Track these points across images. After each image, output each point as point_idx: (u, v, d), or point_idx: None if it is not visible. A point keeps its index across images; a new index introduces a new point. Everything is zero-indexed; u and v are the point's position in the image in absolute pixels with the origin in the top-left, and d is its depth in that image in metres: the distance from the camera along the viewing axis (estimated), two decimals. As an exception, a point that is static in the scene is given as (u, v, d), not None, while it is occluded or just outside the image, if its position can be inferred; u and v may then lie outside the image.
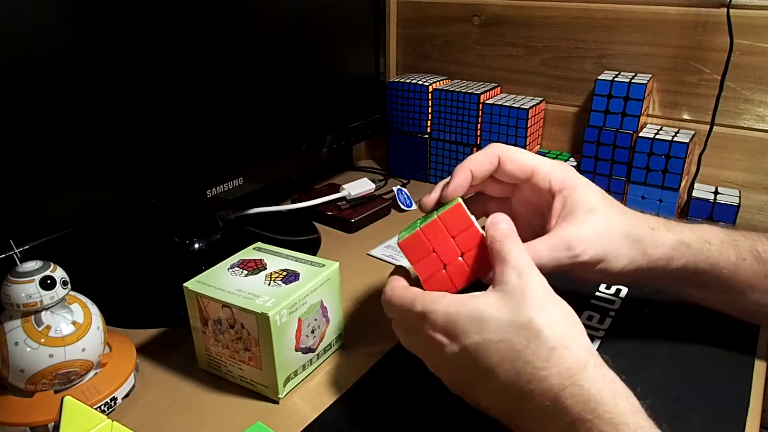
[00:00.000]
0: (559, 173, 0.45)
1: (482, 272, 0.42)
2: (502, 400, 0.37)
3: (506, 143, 0.84)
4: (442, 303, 0.38)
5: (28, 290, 0.40)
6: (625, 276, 0.45)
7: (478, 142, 0.87)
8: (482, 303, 0.37)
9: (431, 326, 0.38)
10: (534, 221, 0.48)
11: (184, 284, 0.47)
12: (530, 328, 0.35)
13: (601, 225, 0.44)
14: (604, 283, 0.46)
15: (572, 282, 0.52)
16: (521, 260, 0.38)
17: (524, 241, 0.41)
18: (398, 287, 0.42)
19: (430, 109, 0.89)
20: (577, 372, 0.34)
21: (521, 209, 0.49)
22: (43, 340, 0.41)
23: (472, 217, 0.42)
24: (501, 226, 0.40)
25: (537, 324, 0.35)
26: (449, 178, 0.46)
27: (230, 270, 0.49)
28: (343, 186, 0.79)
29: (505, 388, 0.36)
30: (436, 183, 0.92)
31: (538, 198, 0.47)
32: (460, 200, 0.44)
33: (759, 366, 0.49)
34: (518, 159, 0.46)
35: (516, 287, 0.37)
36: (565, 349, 0.35)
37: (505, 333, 0.36)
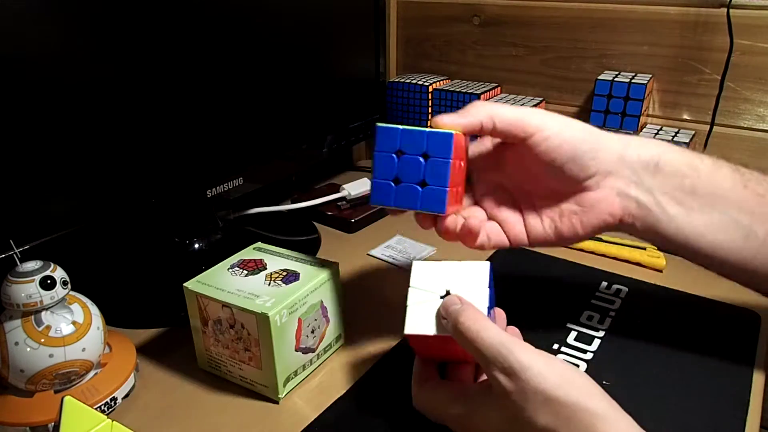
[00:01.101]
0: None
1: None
2: None
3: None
4: (459, 404, 0.38)
5: (28, 290, 0.40)
6: (596, 163, 0.43)
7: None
8: (488, 408, 0.36)
9: (466, 424, 0.38)
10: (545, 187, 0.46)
11: (184, 284, 0.47)
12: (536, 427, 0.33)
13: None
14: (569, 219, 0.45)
15: (573, 280, 0.52)
16: (494, 350, 0.35)
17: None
18: (423, 387, 0.42)
19: (430, 109, 0.89)
20: None
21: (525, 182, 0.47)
22: (43, 340, 0.41)
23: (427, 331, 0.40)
24: (451, 314, 0.38)
25: (554, 427, 0.33)
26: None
27: (230, 270, 0.49)
28: (343, 186, 0.79)
29: None
30: (436, 183, 0.93)
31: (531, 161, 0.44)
32: (407, 331, 0.41)
33: (759, 366, 0.49)
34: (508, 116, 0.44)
35: (512, 391, 0.34)
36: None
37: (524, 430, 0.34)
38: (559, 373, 0.34)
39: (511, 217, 0.47)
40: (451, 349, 0.40)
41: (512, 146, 0.45)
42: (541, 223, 0.46)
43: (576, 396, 0.33)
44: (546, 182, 0.45)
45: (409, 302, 0.41)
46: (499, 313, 0.45)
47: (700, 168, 0.44)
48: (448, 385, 0.41)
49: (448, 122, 0.43)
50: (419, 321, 0.40)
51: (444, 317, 0.39)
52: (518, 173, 0.47)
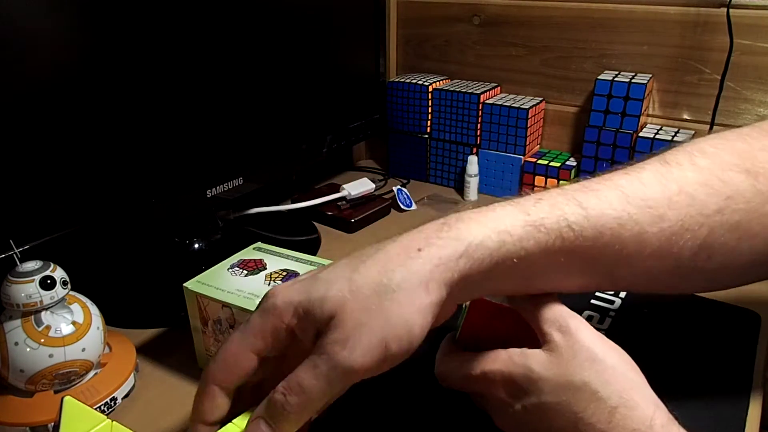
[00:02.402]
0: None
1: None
2: None
3: (506, 143, 0.85)
4: (498, 362, 0.36)
5: (28, 290, 0.40)
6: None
7: (478, 142, 0.87)
8: (534, 362, 0.35)
9: (493, 386, 0.37)
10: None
11: (184, 284, 0.47)
12: (586, 389, 0.33)
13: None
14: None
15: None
16: (559, 313, 0.36)
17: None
18: (449, 360, 0.40)
19: (430, 109, 0.89)
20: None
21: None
22: (43, 340, 0.41)
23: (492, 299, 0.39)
24: (524, 302, 0.38)
25: (593, 385, 0.33)
26: None
27: (230, 270, 0.49)
28: (343, 186, 0.79)
29: None
30: (436, 183, 0.93)
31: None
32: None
33: (759, 366, 0.49)
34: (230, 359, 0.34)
35: (563, 345, 0.34)
36: (626, 408, 0.32)
37: (563, 395, 0.33)
38: (609, 344, 0.35)
39: None
40: (504, 328, 0.40)
41: None
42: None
43: (618, 363, 0.34)
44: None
45: None
46: None
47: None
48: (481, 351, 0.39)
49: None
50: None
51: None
52: None
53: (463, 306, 0.41)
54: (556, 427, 0.34)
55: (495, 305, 0.39)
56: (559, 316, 0.36)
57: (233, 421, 0.40)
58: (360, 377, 0.31)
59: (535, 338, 0.37)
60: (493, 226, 0.34)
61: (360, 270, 0.33)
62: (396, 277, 0.31)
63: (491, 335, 0.40)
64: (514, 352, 0.36)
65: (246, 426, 0.32)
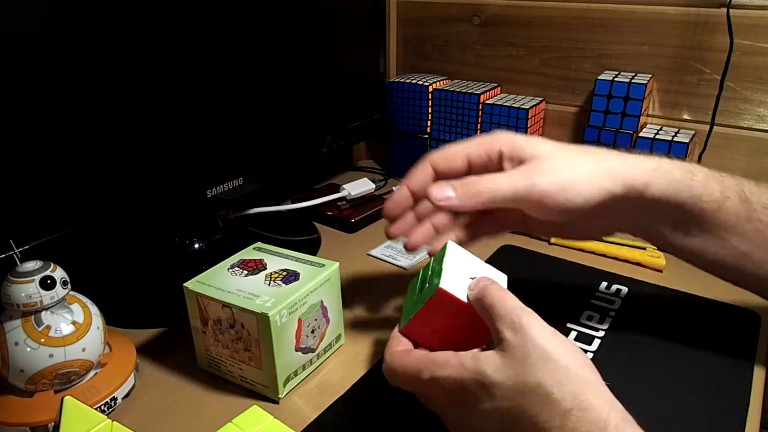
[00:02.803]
0: (489, 141, 0.43)
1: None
2: None
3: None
4: (449, 368, 0.36)
5: (28, 290, 0.40)
6: (594, 210, 0.41)
7: (478, 142, 0.86)
8: (486, 366, 0.34)
9: (443, 393, 0.37)
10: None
11: (184, 284, 0.47)
12: (540, 392, 0.32)
13: (555, 150, 0.42)
14: (570, 231, 0.44)
15: (573, 280, 0.52)
16: (511, 311, 0.35)
17: (521, 233, 0.40)
18: (398, 353, 0.40)
19: (430, 109, 0.89)
20: None
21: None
22: (43, 340, 0.41)
23: (457, 294, 0.39)
24: (481, 284, 0.38)
25: (547, 387, 0.32)
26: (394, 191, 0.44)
27: (230, 270, 0.49)
28: (343, 186, 0.79)
29: None
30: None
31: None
32: (442, 286, 0.39)
33: (759, 366, 0.49)
34: (448, 153, 0.44)
35: (516, 345, 0.34)
36: (580, 410, 0.32)
37: (516, 399, 0.33)
38: (562, 341, 0.34)
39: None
40: (460, 325, 0.40)
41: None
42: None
43: (572, 361, 0.33)
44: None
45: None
46: None
47: (705, 208, 0.43)
48: (431, 353, 0.39)
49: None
50: (454, 285, 0.39)
51: (472, 288, 0.39)
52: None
53: (416, 295, 0.42)
54: (509, 428, 0.34)
55: (455, 299, 0.39)
56: (511, 312, 0.35)
57: (233, 420, 0.40)
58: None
59: (487, 333, 0.37)
60: None
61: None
62: None
63: (443, 329, 0.40)
64: (466, 356, 0.36)
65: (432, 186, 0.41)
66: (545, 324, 0.35)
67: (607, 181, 0.41)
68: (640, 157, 0.43)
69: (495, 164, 0.43)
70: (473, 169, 0.44)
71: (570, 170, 0.41)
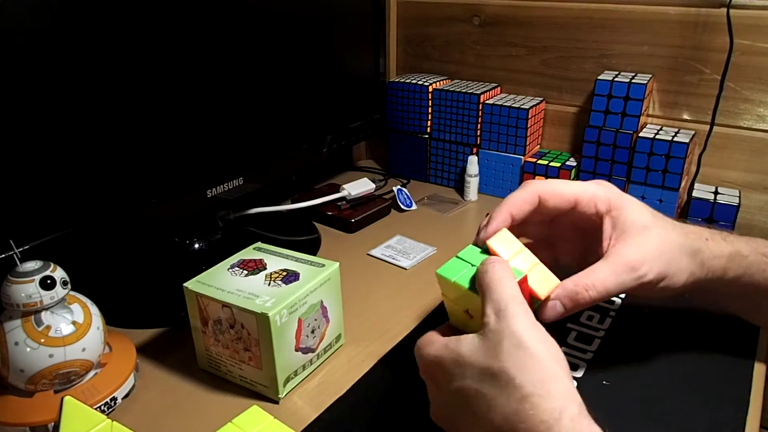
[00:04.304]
0: (603, 195, 0.45)
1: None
2: None
3: (506, 143, 0.85)
4: (433, 347, 0.38)
5: (28, 290, 0.40)
6: (684, 290, 0.44)
7: (478, 142, 0.87)
8: (463, 347, 0.36)
9: (422, 368, 0.40)
10: (577, 245, 0.48)
11: (184, 284, 0.47)
12: (503, 376, 0.33)
13: (658, 241, 0.43)
14: (661, 299, 0.46)
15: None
16: (501, 296, 0.36)
17: (570, 266, 0.41)
18: (429, 334, 0.41)
19: (430, 109, 0.89)
20: (551, 426, 0.31)
21: (563, 234, 0.49)
22: (43, 340, 0.41)
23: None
24: (489, 265, 0.39)
25: (510, 372, 0.33)
26: (487, 218, 0.45)
27: (230, 270, 0.49)
28: (343, 186, 0.79)
29: None
30: (436, 183, 0.93)
31: (584, 222, 0.46)
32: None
33: (759, 366, 0.49)
34: (560, 192, 0.45)
35: (494, 330, 0.35)
36: (538, 397, 0.32)
37: (481, 381, 0.34)
38: (539, 334, 0.35)
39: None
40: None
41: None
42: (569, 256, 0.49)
43: (542, 351, 0.34)
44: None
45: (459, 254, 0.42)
46: None
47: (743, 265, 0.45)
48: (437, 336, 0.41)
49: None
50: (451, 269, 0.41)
51: (483, 265, 0.40)
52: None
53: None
54: (471, 413, 0.35)
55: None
56: (501, 298, 0.36)
57: (233, 420, 0.40)
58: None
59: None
60: None
61: None
62: None
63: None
64: (451, 339, 0.38)
65: (540, 305, 0.41)
66: (530, 316, 0.36)
67: (696, 268, 0.44)
68: (718, 239, 0.45)
69: (597, 220, 0.45)
70: (575, 214, 0.46)
71: (669, 255, 0.43)
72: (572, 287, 0.41)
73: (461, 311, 0.41)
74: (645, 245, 0.42)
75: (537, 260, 0.42)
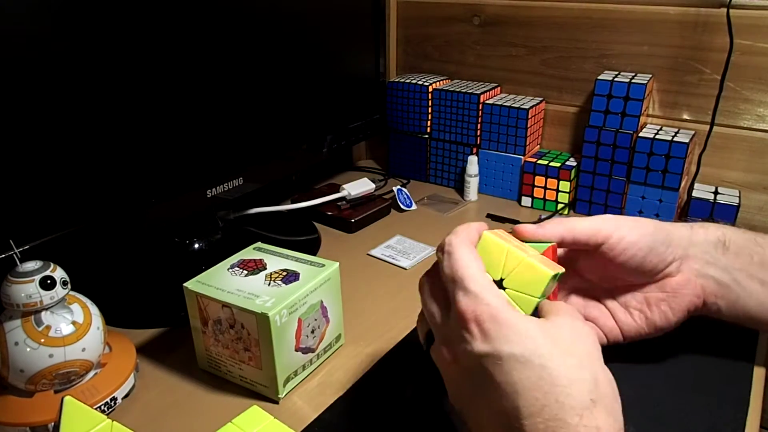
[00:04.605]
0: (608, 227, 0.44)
1: None
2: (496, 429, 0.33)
3: (506, 143, 0.85)
4: (499, 301, 0.34)
5: (28, 290, 0.40)
6: (671, 249, 0.44)
7: (478, 142, 0.86)
8: (536, 325, 0.33)
9: (474, 313, 0.34)
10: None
11: (184, 284, 0.47)
12: (577, 372, 0.32)
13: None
14: (645, 274, 0.46)
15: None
16: (578, 315, 0.36)
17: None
18: (470, 243, 0.37)
19: (430, 109, 0.89)
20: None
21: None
22: (43, 340, 0.41)
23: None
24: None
25: (585, 373, 0.32)
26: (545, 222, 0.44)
27: (230, 270, 0.49)
28: (343, 186, 0.79)
29: (504, 415, 0.32)
30: (436, 183, 0.93)
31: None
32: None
33: (759, 367, 0.49)
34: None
35: (570, 330, 0.34)
36: (604, 410, 0.31)
37: (552, 362, 0.32)
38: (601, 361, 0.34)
39: (600, 315, 0.47)
40: None
41: (585, 254, 0.46)
42: (631, 317, 0.47)
43: (607, 374, 0.33)
44: (625, 278, 0.46)
45: None
46: None
47: (763, 243, 0.46)
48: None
49: (530, 232, 0.42)
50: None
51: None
52: (595, 276, 0.48)
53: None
54: (512, 381, 0.32)
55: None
56: (571, 311, 0.36)
57: (233, 420, 0.40)
58: None
59: None
60: None
61: None
62: None
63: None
64: (517, 310, 0.35)
65: None
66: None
67: (665, 226, 0.45)
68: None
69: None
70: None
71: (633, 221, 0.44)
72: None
73: (496, 275, 0.38)
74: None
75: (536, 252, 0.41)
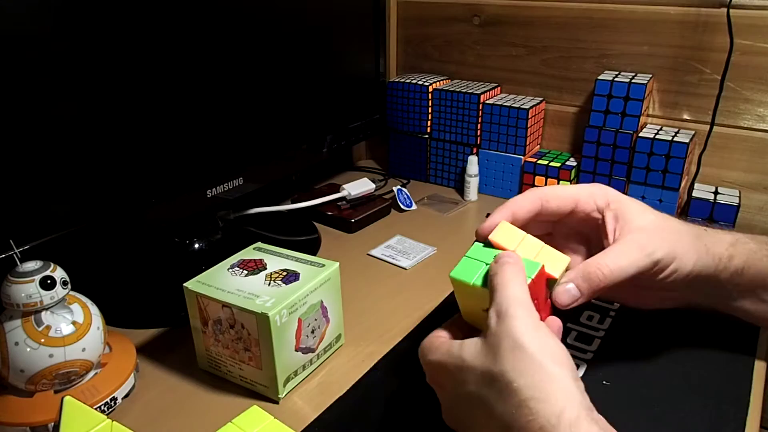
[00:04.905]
0: (600, 192, 0.45)
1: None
2: None
3: (506, 143, 0.85)
4: (438, 353, 0.38)
5: (28, 290, 0.40)
6: (694, 280, 0.44)
7: (478, 142, 0.86)
8: (465, 352, 0.36)
9: (428, 375, 0.40)
10: (582, 251, 0.48)
11: (184, 284, 0.47)
12: (502, 380, 0.33)
13: (662, 224, 0.43)
14: (673, 297, 0.47)
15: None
16: (504, 299, 0.36)
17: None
18: (432, 337, 0.41)
19: (430, 109, 0.89)
20: (549, 430, 0.31)
21: (567, 241, 0.48)
22: (43, 340, 0.41)
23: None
24: (499, 267, 0.38)
25: (509, 375, 0.33)
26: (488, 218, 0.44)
27: (230, 270, 0.49)
28: (343, 186, 0.79)
29: None
30: (436, 183, 0.93)
31: (586, 225, 0.46)
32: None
33: (759, 366, 0.49)
34: (560, 194, 0.45)
35: (494, 333, 0.35)
36: (535, 401, 0.32)
37: (481, 385, 0.34)
38: (541, 335, 0.34)
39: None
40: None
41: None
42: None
43: (540, 352, 0.33)
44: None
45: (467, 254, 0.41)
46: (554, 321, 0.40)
47: None
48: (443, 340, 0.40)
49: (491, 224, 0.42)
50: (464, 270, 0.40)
51: (494, 263, 0.39)
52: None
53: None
54: (475, 415, 0.35)
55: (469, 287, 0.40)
56: (504, 300, 0.35)
57: (233, 420, 0.40)
58: None
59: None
60: None
61: None
62: None
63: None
64: (454, 344, 0.37)
65: (554, 289, 0.40)
66: (534, 318, 0.35)
67: (702, 251, 0.43)
68: (716, 229, 0.46)
69: (597, 219, 0.45)
70: (576, 216, 0.46)
71: (672, 234, 0.43)
72: (584, 267, 0.41)
73: (479, 310, 0.40)
74: (650, 228, 0.43)
75: (542, 243, 0.41)
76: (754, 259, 0.45)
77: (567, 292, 0.40)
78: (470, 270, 0.40)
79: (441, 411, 0.40)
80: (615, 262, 0.40)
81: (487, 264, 0.40)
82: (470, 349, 0.36)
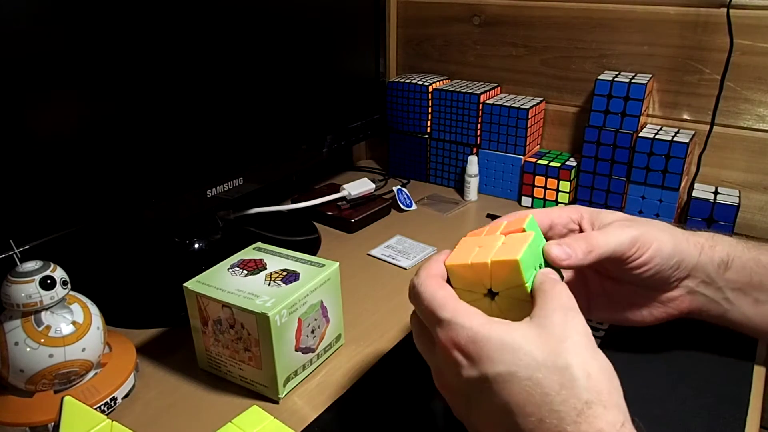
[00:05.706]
0: (572, 209, 0.47)
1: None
2: None
3: (506, 143, 0.85)
4: (473, 320, 0.34)
5: (28, 290, 0.40)
6: (682, 272, 0.44)
7: (478, 142, 0.87)
8: (517, 333, 0.33)
9: (453, 341, 0.34)
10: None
11: (184, 284, 0.47)
12: (567, 374, 0.31)
13: (631, 217, 0.45)
14: (670, 306, 0.46)
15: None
16: (570, 301, 0.34)
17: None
18: (432, 277, 0.37)
19: (430, 109, 0.89)
20: None
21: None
22: (43, 340, 0.41)
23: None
24: (552, 276, 0.37)
25: (575, 371, 0.31)
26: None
27: (230, 270, 0.49)
28: (343, 186, 0.79)
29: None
30: (436, 183, 0.93)
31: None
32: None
33: (759, 366, 0.49)
34: (536, 214, 0.45)
35: (558, 325, 0.33)
36: (601, 407, 0.30)
37: (537, 372, 0.31)
38: (593, 342, 0.33)
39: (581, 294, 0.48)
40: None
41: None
42: (608, 303, 0.48)
43: (606, 364, 0.33)
44: (617, 276, 0.46)
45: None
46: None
47: (767, 264, 0.46)
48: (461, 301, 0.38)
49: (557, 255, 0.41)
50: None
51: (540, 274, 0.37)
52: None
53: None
54: (511, 402, 0.31)
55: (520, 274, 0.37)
56: (569, 305, 0.34)
57: (233, 420, 0.40)
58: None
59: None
60: None
61: None
62: None
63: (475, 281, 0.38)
64: (495, 319, 0.34)
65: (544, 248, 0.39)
66: (591, 332, 0.34)
67: (680, 237, 0.45)
68: (694, 229, 0.47)
69: (576, 228, 0.47)
70: (554, 231, 0.47)
71: (647, 225, 0.44)
72: (577, 236, 0.42)
73: (483, 288, 0.37)
74: (623, 218, 0.45)
75: (503, 236, 0.40)
76: (736, 250, 0.46)
77: (562, 250, 0.40)
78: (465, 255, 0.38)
79: (431, 377, 0.37)
80: (596, 236, 0.42)
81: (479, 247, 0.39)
82: (525, 331, 0.33)
